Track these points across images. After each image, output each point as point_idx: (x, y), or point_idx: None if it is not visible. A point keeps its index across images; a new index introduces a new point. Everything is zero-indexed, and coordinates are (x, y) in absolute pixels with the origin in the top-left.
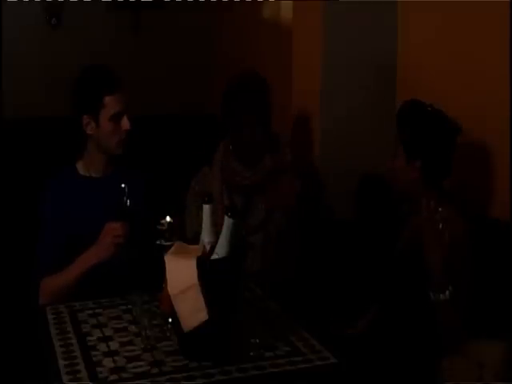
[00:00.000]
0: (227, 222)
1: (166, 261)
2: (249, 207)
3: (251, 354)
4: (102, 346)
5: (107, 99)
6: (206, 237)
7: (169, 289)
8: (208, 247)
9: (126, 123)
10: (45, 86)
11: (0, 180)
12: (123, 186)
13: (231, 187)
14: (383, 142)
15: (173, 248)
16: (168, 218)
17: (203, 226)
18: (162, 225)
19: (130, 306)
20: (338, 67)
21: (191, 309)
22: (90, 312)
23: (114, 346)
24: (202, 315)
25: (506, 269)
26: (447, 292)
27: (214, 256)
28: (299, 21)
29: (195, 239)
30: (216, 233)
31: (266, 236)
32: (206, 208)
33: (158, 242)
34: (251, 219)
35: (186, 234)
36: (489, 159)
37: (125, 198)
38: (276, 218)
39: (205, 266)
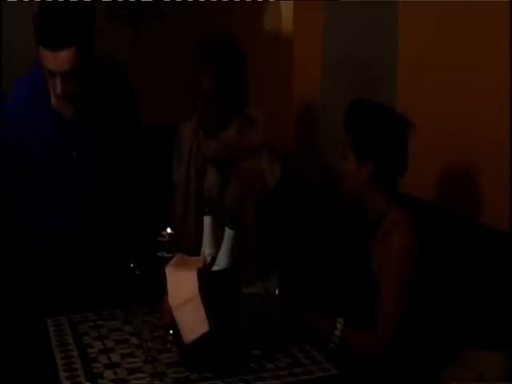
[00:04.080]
0: (228, 233)
1: (167, 272)
2: (226, 184)
3: (252, 365)
4: (103, 358)
5: (41, 50)
6: (206, 248)
7: (170, 300)
8: (209, 259)
9: (56, 87)
10: None
11: None
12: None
13: (205, 160)
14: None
15: (173, 260)
16: (169, 230)
17: (204, 237)
18: (163, 236)
19: (130, 318)
20: (337, 67)
21: (192, 320)
22: (91, 324)
23: (115, 357)
24: (203, 327)
25: (506, 279)
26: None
27: (215, 268)
28: (300, 24)
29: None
30: (217, 244)
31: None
32: (207, 220)
33: (158, 254)
34: (226, 198)
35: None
36: (488, 167)
37: (132, 265)
38: (248, 202)
39: (206, 277)
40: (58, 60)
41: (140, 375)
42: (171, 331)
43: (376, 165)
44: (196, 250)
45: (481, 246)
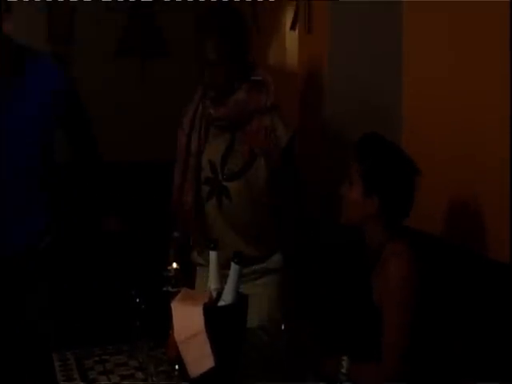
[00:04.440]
0: (234, 268)
1: (173, 307)
2: (231, 150)
3: None
4: None
5: None
6: (212, 283)
7: (175, 335)
8: (214, 294)
9: None
10: None
11: None
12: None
13: (209, 123)
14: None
15: (179, 294)
16: (174, 265)
17: (210, 272)
18: (169, 271)
19: (136, 353)
20: (342, 99)
21: (198, 355)
22: (97, 359)
23: None
24: (209, 362)
25: (506, 310)
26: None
27: (221, 303)
28: (304, 56)
29: None
30: (222, 279)
31: (246, 185)
32: (213, 255)
33: (164, 289)
34: (231, 163)
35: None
36: (489, 200)
37: (137, 300)
38: (259, 165)
39: (211, 313)
40: None
41: None
42: (177, 366)
43: (382, 202)
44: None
45: (481, 278)
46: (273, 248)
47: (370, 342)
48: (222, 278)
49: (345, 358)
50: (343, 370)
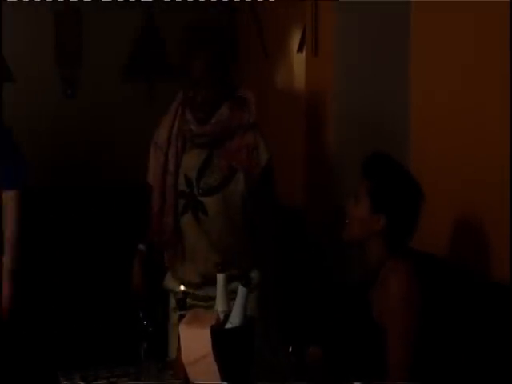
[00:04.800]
0: (241, 291)
1: (181, 329)
2: (208, 165)
3: None
4: None
5: None
6: (219, 306)
7: (183, 357)
8: (222, 316)
9: None
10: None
11: None
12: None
13: (187, 139)
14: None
15: (187, 317)
16: (182, 287)
17: (217, 295)
18: (176, 294)
19: (143, 375)
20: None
21: (205, 377)
22: (104, 381)
23: None
24: None
25: (507, 333)
26: None
27: (228, 325)
28: (311, 78)
29: None
30: (229, 302)
31: (223, 200)
32: (220, 277)
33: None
34: (208, 178)
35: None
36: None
37: (145, 323)
38: (237, 181)
39: (219, 335)
40: None
41: None
42: None
43: (388, 220)
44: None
45: (482, 299)
46: (250, 266)
47: (373, 359)
48: (229, 300)
49: None
50: None
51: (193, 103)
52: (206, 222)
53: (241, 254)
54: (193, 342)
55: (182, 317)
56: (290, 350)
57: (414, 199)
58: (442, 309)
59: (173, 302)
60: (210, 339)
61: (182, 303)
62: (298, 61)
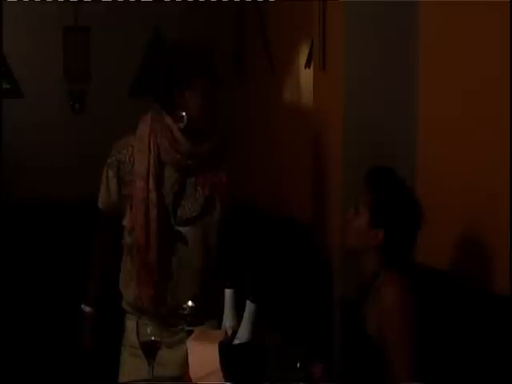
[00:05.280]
0: (249, 306)
1: (188, 346)
2: (183, 191)
3: None
4: None
5: None
6: (227, 321)
7: (191, 373)
8: (230, 332)
9: None
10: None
11: None
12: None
13: (163, 164)
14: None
15: (195, 333)
16: (190, 303)
17: (224, 310)
18: (184, 309)
19: None
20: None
21: None
22: None
23: None
24: None
25: (508, 344)
26: None
27: (236, 341)
28: (319, 94)
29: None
30: (237, 317)
31: (202, 229)
32: (228, 293)
33: (179, 327)
34: (184, 208)
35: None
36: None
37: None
38: (215, 209)
39: (227, 351)
40: None
41: None
42: None
43: (386, 235)
44: (160, 263)
45: (483, 310)
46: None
47: (371, 375)
48: (237, 316)
49: None
50: None
51: (186, 129)
52: (185, 252)
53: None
54: (201, 358)
55: (189, 332)
56: (298, 365)
57: (413, 217)
58: (443, 320)
59: (129, 324)
60: (218, 355)
61: (190, 318)
62: (306, 75)
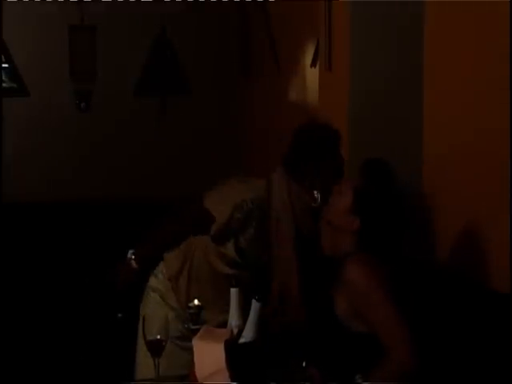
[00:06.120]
0: (255, 305)
1: (194, 344)
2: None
3: None
4: None
5: None
6: (233, 320)
7: (196, 372)
8: (235, 331)
9: None
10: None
11: None
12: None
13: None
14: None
15: (200, 331)
16: (196, 302)
17: (230, 309)
18: (190, 308)
19: None
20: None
21: None
22: None
23: None
24: None
25: (507, 341)
26: None
27: (242, 340)
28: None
29: None
30: (243, 316)
31: None
32: (233, 292)
33: (185, 326)
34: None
35: None
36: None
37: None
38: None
39: (232, 349)
40: None
41: None
42: None
43: (362, 225)
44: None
45: (482, 307)
46: None
47: (339, 357)
48: (242, 315)
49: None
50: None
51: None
52: None
53: None
54: (206, 356)
55: (195, 331)
56: (304, 364)
57: (391, 211)
58: (443, 318)
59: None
60: (223, 354)
61: (196, 317)
62: (311, 74)
